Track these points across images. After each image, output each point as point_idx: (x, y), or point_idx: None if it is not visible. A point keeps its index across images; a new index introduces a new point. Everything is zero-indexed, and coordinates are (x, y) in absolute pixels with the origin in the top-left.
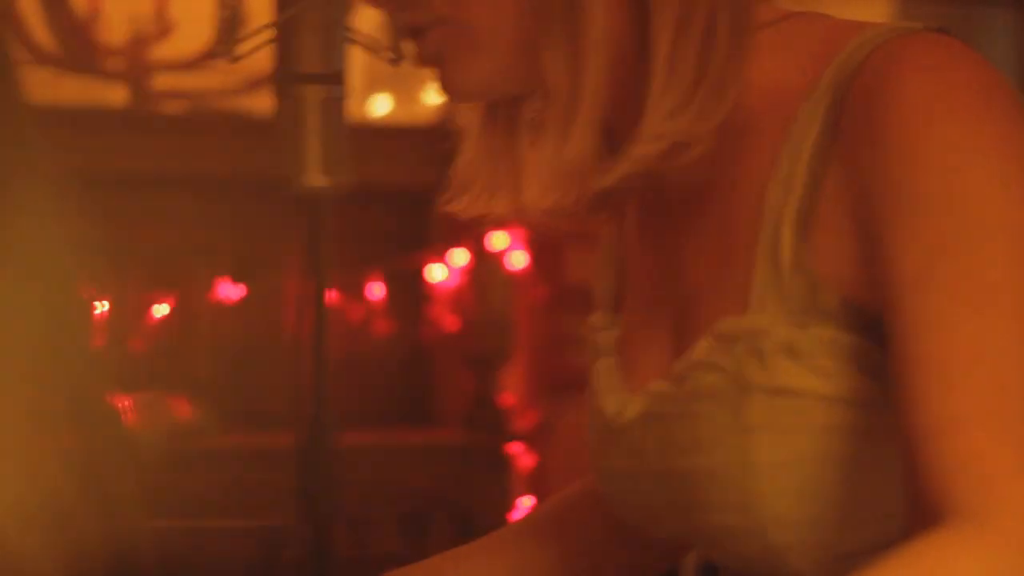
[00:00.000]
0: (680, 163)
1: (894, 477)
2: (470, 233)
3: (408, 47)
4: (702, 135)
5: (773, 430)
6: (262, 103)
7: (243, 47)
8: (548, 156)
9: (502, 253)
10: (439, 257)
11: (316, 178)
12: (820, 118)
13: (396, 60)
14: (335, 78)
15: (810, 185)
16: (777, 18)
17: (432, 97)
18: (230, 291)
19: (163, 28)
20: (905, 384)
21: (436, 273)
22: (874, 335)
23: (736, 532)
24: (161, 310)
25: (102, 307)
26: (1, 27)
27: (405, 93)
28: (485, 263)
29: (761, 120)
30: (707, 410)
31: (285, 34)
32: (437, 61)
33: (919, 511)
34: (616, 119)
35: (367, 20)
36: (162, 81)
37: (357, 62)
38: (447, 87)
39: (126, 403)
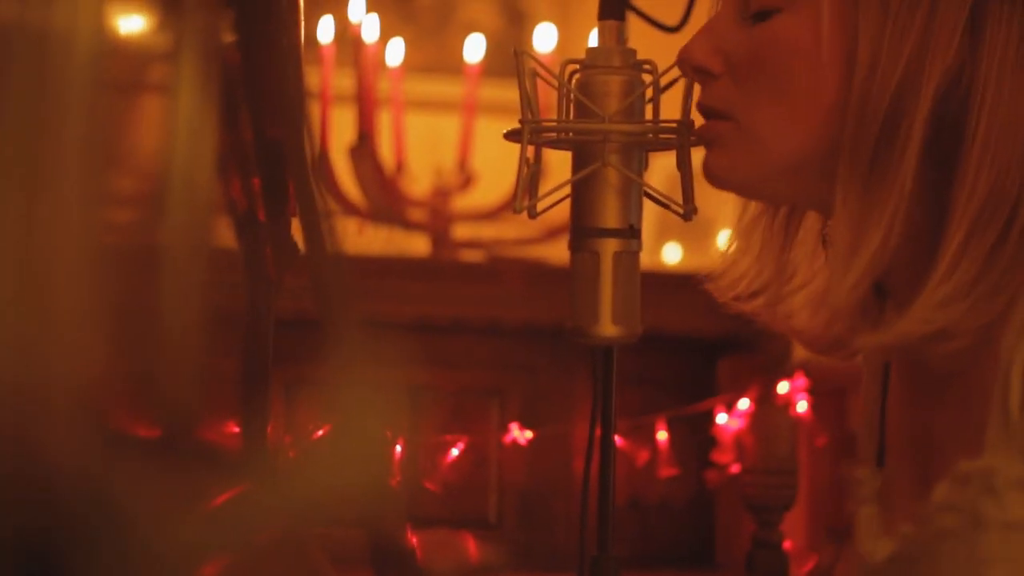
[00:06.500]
0: (941, 351)
1: None
2: (755, 380)
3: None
4: (969, 329)
5: (1007, 561)
6: (556, 251)
7: (542, 203)
8: (820, 285)
9: (786, 400)
10: (724, 403)
11: (608, 328)
12: None
13: (688, 216)
14: (629, 232)
15: None
16: None
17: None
18: (519, 434)
19: (465, 180)
20: None
21: (721, 419)
22: None
23: None
24: (455, 450)
25: (400, 446)
26: (312, 180)
27: (696, 242)
28: (769, 409)
29: None
30: (948, 549)
31: (582, 189)
32: (709, 144)
33: None
34: (891, 277)
35: (661, 175)
36: (462, 230)
37: (650, 213)
38: (708, 171)
39: (420, 540)
